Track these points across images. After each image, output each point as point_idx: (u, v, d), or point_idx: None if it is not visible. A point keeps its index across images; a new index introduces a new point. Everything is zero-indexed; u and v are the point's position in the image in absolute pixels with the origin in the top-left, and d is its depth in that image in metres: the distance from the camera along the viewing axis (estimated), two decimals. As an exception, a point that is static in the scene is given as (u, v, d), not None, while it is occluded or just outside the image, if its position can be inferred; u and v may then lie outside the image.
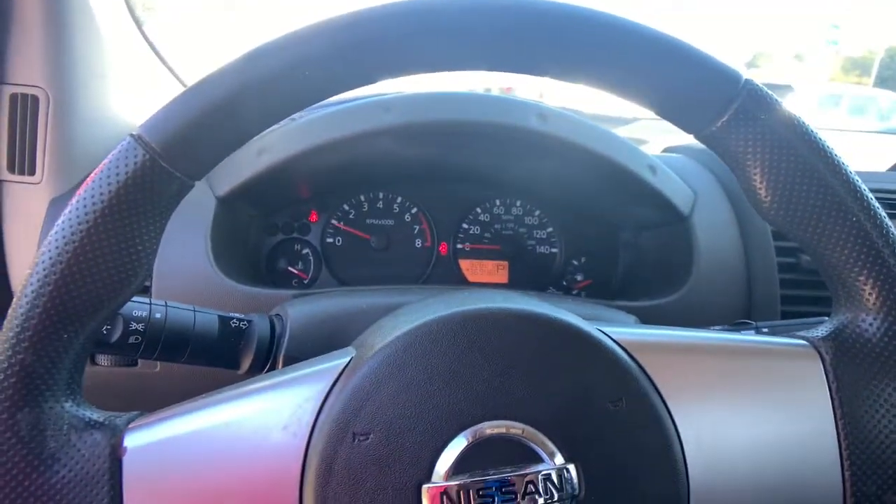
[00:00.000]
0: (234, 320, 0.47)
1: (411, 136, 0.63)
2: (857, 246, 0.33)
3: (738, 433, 0.33)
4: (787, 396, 0.34)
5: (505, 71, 0.34)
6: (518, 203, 0.77)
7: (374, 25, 0.30)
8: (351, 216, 0.75)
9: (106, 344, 0.42)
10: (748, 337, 0.37)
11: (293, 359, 0.46)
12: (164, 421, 0.31)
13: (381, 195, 0.75)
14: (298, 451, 0.30)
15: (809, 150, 0.33)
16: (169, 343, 0.43)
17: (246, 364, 0.47)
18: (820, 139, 0.34)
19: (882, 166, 0.98)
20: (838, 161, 0.33)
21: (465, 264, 0.77)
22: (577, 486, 0.30)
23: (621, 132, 0.66)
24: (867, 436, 0.33)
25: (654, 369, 0.33)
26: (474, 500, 0.29)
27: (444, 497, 0.29)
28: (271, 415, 0.31)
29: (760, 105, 0.33)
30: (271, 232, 0.73)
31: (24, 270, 0.30)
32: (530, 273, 0.77)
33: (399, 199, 0.76)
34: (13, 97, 0.58)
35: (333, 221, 0.74)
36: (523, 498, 0.29)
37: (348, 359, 0.33)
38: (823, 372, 0.35)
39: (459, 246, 0.77)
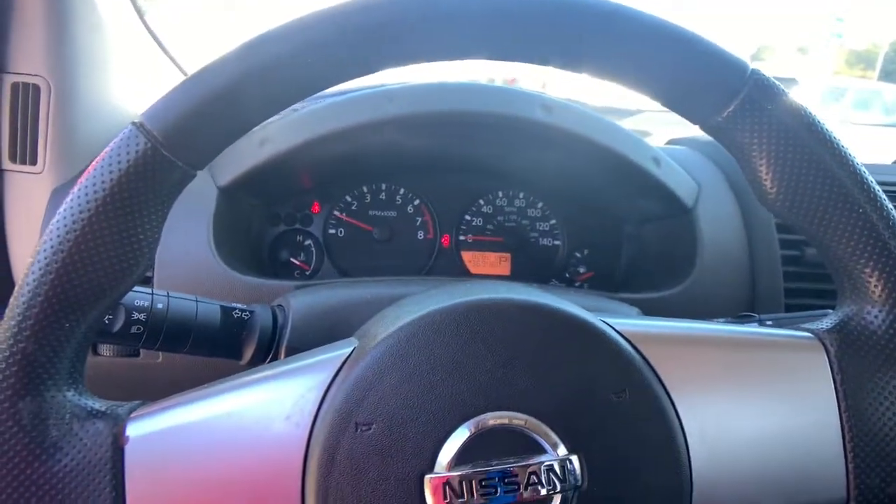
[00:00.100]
0: (237, 311, 0.47)
1: (414, 126, 0.62)
2: (864, 238, 0.33)
3: (741, 425, 0.33)
4: (792, 388, 0.34)
5: (509, 60, 0.33)
6: (521, 195, 0.77)
7: (377, 13, 0.30)
8: (353, 207, 0.75)
9: (108, 334, 0.42)
10: (752, 329, 0.37)
11: (295, 349, 0.46)
12: (166, 410, 0.31)
13: (383, 186, 0.75)
14: (301, 441, 0.30)
15: (816, 140, 0.33)
16: (171, 333, 0.43)
17: (248, 354, 0.47)
18: (827, 130, 0.33)
19: (887, 160, 0.98)
20: (845, 152, 0.33)
21: (467, 256, 0.76)
22: (579, 477, 0.30)
23: (625, 124, 0.65)
24: (871, 428, 0.33)
25: (658, 361, 0.33)
26: (477, 490, 0.29)
27: (447, 487, 0.29)
28: (274, 405, 0.31)
29: (767, 95, 0.32)
30: (273, 223, 0.73)
31: (26, 260, 0.30)
32: (533, 265, 0.77)
33: (402, 191, 0.75)
34: (14, 86, 0.58)
35: (336, 212, 0.74)
36: (526, 489, 0.29)
37: (351, 349, 0.33)
38: (828, 364, 0.34)
39: (462, 238, 0.76)
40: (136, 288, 0.43)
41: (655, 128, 0.86)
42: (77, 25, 0.61)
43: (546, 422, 0.30)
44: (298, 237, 0.73)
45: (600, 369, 0.32)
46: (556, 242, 0.77)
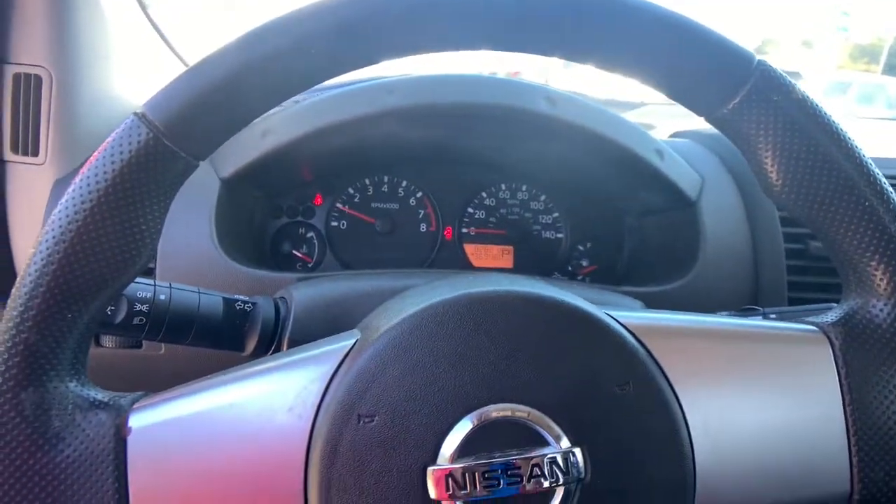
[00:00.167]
0: (239, 302, 0.47)
1: (416, 118, 0.62)
2: (870, 230, 0.33)
3: (745, 418, 0.33)
4: (796, 382, 0.34)
5: (513, 51, 0.33)
6: (524, 188, 0.77)
7: (379, 2, 0.29)
8: (356, 200, 0.74)
9: (110, 325, 0.42)
10: (757, 322, 0.37)
11: (298, 341, 0.45)
12: (168, 401, 0.31)
13: (385, 179, 0.75)
14: (303, 432, 0.30)
15: (823, 132, 0.33)
16: (173, 324, 0.43)
17: (250, 346, 0.46)
18: (834, 122, 0.33)
19: (891, 154, 0.97)
20: (852, 144, 0.33)
21: (470, 249, 0.76)
22: (582, 469, 0.30)
23: (628, 117, 0.65)
24: (876, 422, 0.33)
25: (662, 354, 0.33)
26: (479, 482, 0.29)
27: (450, 479, 0.29)
28: (276, 396, 0.31)
29: (774, 86, 0.32)
30: (276, 215, 0.73)
31: (28, 251, 0.30)
32: (535, 258, 0.77)
33: (404, 183, 0.75)
34: (16, 77, 0.58)
35: (338, 205, 0.74)
36: (528, 481, 0.29)
37: (353, 341, 0.33)
38: (833, 357, 0.34)
39: (464, 230, 0.76)
40: (138, 279, 0.43)
41: (659, 121, 0.86)
42: (79, 16, 0.60)
43: (549, 414, 0.30)
44: (301, 229, 0.73)
45: (604, 362, 0.32)
46: (559, 235, 0.77)
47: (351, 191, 0.74)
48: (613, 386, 0.31)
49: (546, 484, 0.29)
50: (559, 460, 0.30)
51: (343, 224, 0.74)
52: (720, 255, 0.62)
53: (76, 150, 0.61)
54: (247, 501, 0.29)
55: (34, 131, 0.59)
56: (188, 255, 0.57)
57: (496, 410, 0.30)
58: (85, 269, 0.29)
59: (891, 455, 0.33)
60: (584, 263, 0.77)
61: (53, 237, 0.29)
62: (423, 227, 0.76)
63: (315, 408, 0.30)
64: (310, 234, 0.73)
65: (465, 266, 0.76)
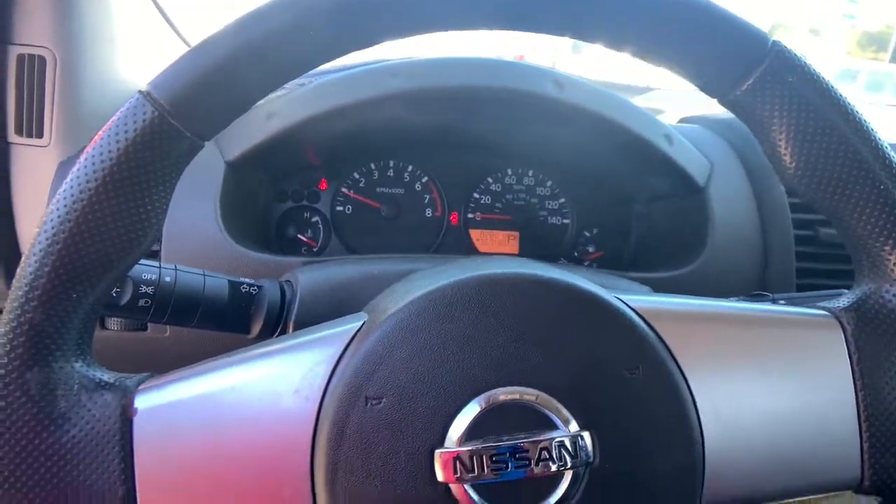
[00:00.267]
0: (244, 285, 0.46)
1: (420, 101, 0.61)
2: (884, 215, 0.32)
3: (756, 403, 0.33)
4: (807, 367, 0.34)
5: (520, 30, 0.32)
6: (530, 173, 0.76)
7: None
8: (361, 184, 0.74)
9: (116, 307, 0.41)
10: (768, 307, 0.37)
11: (303, 325, 0.45)
12: (174, 383, 0.31)
13: (391, 163, 0.74)
14: (310, 415, 0.30)
15: (838, 115, 0.32)
16: (178, 307, 0.43)
17: (256, 329, 0.46)
18: (850, 105, 0.32)
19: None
20: (868, 128, 0.32)
21: (475, 234, 0.76)
22: (591, 453, 0.30)
23: (636, 102, 0.64)
24: (888, 407, 0.33)
25: (672, 338, 0.32)
26: (487, 465, 0.29)
27: (457, 462, 0.29)
28: (282, 378, 0.31)
29: (789, 67, 0.32)
30: (281, 199, 0.72)
31: (33, 232, 0.29)
32: (541, 244, 0.76)
33: (410, 168, 0.75)
34: (20, 58, 0.57)
35: (343, 189, 0.74)
36: (537, 464, 0.29)
37: (361, 323, 0.32)
38: (845, 342, 0.34)
39: (470, 216, 0.76)
40: (143, 262, 0.42)
41: (667, 106, 0.85)
42: (83, -3, 0.60)
43: (558, 397, 0.30)
44: (306, 214, 0.73)
45: (614, 345, 0.31)
46: (565, 221, 0.77)
47: (356, 175, 0.74)
48: (623, 370, 0.31)
49: (554, 467, 0.29)
50: (568, 444, 0.29)
51: (348, 209, 0.74)
52: (729, 241, 0.62)
53: (80, 131, 0.60)
54: (253, 482, 0.29)
55: (38, 113, 0.58)
56: (193, 238, 0.56)
57: (504, 393, 0.30)
58: (90, 248, 0.29)
59: None
60: (591, 249, 0.77)
61: (58, 216, 0.29)
62: (428, 213, 0.75)
63: (322, 390, 0.30)
64: (315, 219, 0.73)
65: (471, 252, 0.76)
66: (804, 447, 0.33)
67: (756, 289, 0.62)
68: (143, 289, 0.41)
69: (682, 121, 0.80)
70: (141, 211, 0.30)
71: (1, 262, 0.61)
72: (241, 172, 0.62)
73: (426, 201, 0.75)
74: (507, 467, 0.29)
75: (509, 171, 0.76)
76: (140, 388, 0.31)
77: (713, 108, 0.77)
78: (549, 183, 0.76)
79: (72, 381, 0.30)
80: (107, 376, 0.31)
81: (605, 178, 0.75)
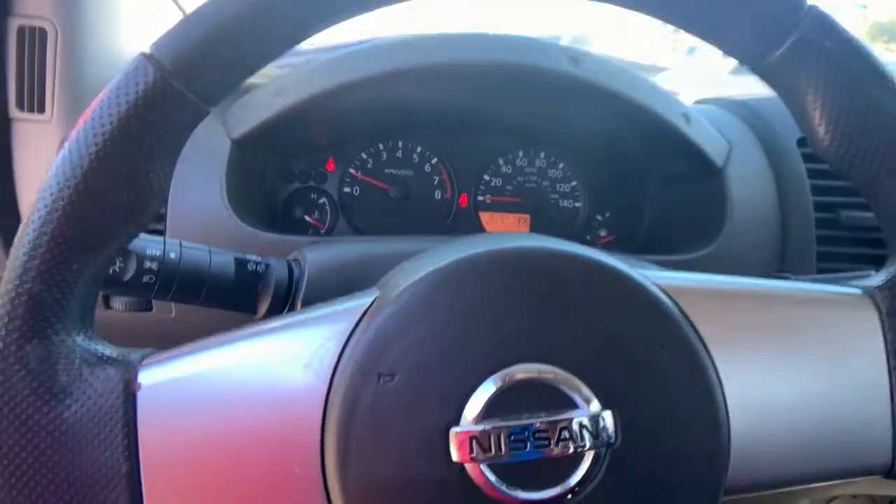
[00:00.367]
0: (251, 263, 0.45)
1: (432, 78, 0.60)
2: None
3: (784, 384, 0.31)
4: (839, 347, 0.32)
5: None
6: (542, 155, 0.75)
7: None
8: (369, 165, 0.73)
9: (119, 283, 0.40)
10: (799, 284, 0.35)
11: (311, 304, 0.44)
12: (180, 357, 0.30)
13: (400, 144, 0.73)
14: (320, 391, 0.29)
15: (877, 84, 0.30)
16: (184, 283, 0.42)
17: (263, 308, 0.45)
18: (888, 73, 0.31)
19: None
20: None
21: (485, 217, 0.75)
22: (613, 434, 0.28)
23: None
24: None
25: (698, 315, 0.31)
26: (505, 445, 0.27)
27: (474, 441, 0.27)
28: (292, 354, 0.29)
29: (826, 33, 0.30)
30: (287, 180, 0.71)
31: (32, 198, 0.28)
32: (552, 227, 0.75)
33: (419, 149, 0.73)
34: (20, 30, 0.56)
35: (351, 170, 0.72)
36: (556, 444, 0.28)
37: (372, 298, 0.31)
38: (879, 322, 0.32)
39: (480, 198, 0.74)
40: (147, 237, 0.41)
41: (682, 87, 0.83)
42: (84, -32, 0.58)
43: (579, 375, 0.29)
44: (313, 195, 0.72)
45: (637, 322, 0.30)
46: (577, 204, 0.75)
47: (364, 156, 0.72)
48: (647, 348, 0.29)
49: (574, 448, 0.28)
50: (588, 424, 0.28)
51: (356, 190, 0.72)
52: (747, 223, 0.60)
53: (82, 107, 0.58)
54: (261, 460, 0.28)
55: (39, 87, 0.57)
56: (198, 217, 0.55)
57: (522, 371, 0.29)
58: (91, 216, 0.28)
59: None
60: (603, 233, 0.75)
61: (57, 183, 0.28)
62: (437, 195, 0.74)
63: (332, 366, 0.29)
64: (322, 200, 0.72)
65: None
66: (833, 430, 0.32)
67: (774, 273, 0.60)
68: (148, 264, 0.40)
69: (698, 102, 0.78)
70: (143, 178, 0.29)
71: (5, 243, 0.60)
72: (248, 151, 0.60)
73: (435, 183, 0.74)
74: (525, 447, 0.27)
75: (520, 153, 0.75)
76: (144, 362, 0.30)
77: (730, 90, 0.76)
78: (561, 165, 0.75)
79: (73, 355, 0.29)
80: (109, 350, 0.30)
81: (619, 159, 0.73)
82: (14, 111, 0.58)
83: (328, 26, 0.30)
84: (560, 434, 0.28)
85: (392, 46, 0.58)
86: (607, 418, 0.28)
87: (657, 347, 0.29)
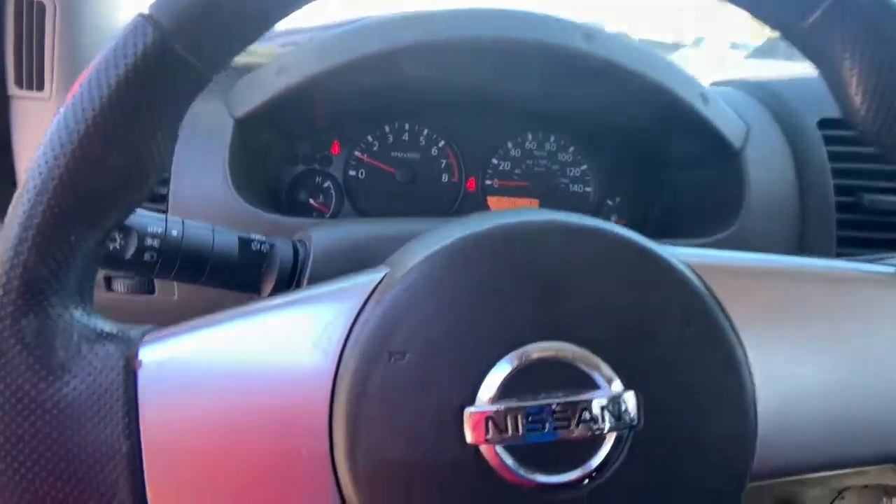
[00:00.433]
0: (255, 242, 0.44)
1: (437, 55, 0.58)
2: None
3: (814, 366, 0.30)
4: (872, 328, 0.31)
5: None
6: (552, 138, 0.73)
7: None
8: (375, 148, 0.71)
9: (120, 261, 0.39)
10: (830, 262, 0.34)
11: None
12: (181, 334, 0.29)
13: (406, 126, 0.71)
14: (329, 370, 0.27)
15: None
16: (186, 262, 0.40)
17: (267, 289, 0.44)
18: None
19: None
20: None
21: (493, 201, 0.73)
22: (635, 416, 0.27)
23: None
24: None
25: (725, 293, 0.29)
26: (522, 426, 0.26)
27: (489, 422, 0.26)
28: (299, 331, 0.28)
29: None
30: (292, 162, 0.70)
31: (27, 166, 0.27)
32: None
33: (426, 132, 0.72)
34: (18, 4, 0.54)
35: (356, 153, 0.71)
36: (577, 426, 0.26)
37: (382, 275, 0.30)
38: None
39: (488, 182, 0.73)
40: (148, 213, 0.40)
41: (695, 68, 0.81)
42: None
43: (600, 354, 0.27)
44: (317, 178, 0.70)
45: (661, 298, 0.28)
46: (587, 189, 0.74)
47: (370, 139, 0.71)
48: (672, 326, 0.28)
49: (595, 430, 0.26)
50: (610, 404, 0.27)
51: (361, 173, 0.71)
52: (765, 207, 0.58)
53: (82, 85, 0.57)
54: (267, 439, 0.27)
55: (39, 64, 0.55)
56: (201, 197, 0.54)
57: (539, 350, 0.27)
58: (88, 184, 0.26)
59: None
60: (613, 219, 0.74)
61: (52, 149, 0.26)
62: (444, 178, 0.72)
63: (341, 344, 0.28)
64: (327, 184, 0.70)
65: None
66: (864, 415, 0.30)
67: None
68: (149, 242, 0.39)
69: (714, 84, 0.77)
70: (142, 145, 0.27)
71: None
72: (251, 131, 0.59)
73: (442, 166, 0.72)
74: (543, 428, 0.26)
75: (530, 136, 0.73)
76: (145, 339, 0.28)
77: (745, 70, 0.74)
78: (571, 149, 0.73)
79: (71, 331, 0.27)
80: (108, 327, 0.29)
81: (631, 141, 0.71)
82: (13, 89, 0.56)
83: None
84: (580, 415, 0.26)
85: (395, 22, 0.56)
86: (629, 399, 0.27)
87: (682, 325, 0.28)
